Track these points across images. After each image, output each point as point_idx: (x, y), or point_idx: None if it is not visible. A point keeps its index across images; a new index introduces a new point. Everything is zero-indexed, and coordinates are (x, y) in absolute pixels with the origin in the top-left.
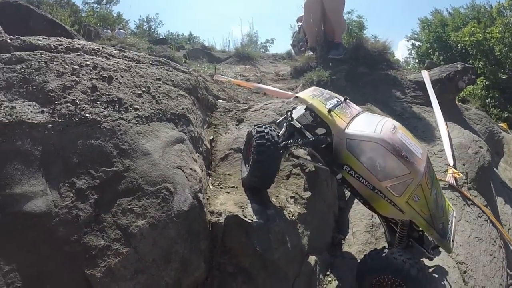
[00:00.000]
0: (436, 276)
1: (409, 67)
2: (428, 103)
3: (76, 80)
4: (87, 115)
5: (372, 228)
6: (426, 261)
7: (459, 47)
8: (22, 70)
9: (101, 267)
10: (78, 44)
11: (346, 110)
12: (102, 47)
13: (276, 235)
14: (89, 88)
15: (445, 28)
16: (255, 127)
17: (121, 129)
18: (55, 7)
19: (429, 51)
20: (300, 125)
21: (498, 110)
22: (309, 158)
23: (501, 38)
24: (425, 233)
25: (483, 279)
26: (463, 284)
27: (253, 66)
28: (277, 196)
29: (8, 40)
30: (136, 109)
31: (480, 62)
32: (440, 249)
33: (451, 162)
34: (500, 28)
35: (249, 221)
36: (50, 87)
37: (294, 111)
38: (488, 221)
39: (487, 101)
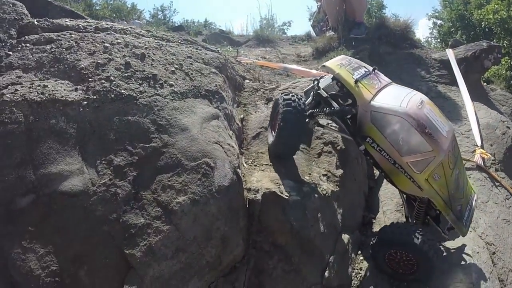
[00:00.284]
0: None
1: (430, 47)
2: (454, 83)
3: (109, 58)
4: (122, 91)
5: (402, 207)
6: (456, 240)
7: (482, 26)
8: (53, 50)
9: (141, 246)
10: (106, 24)
11: (373, 81)
12: (130, 27)
13: (312, 212)
14: (122, 65)
15: (468, 6)
16: (282, 95)
17: (158, 105)
18: (69, 2)
19: (451, 30)
20: (326, 95)
21: None
22: (334, 127)
23: None
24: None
25: (511, 261)
26: (492, 265)
27: (273, 48)
28: (310, 174)
29: (35, 22)
30: (171, 85)
31: (505, 41)
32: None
33: (478, 142)
34: None
35: (286, 197)
36: (82, 65)
37: (321, 80)
38: None
39: None
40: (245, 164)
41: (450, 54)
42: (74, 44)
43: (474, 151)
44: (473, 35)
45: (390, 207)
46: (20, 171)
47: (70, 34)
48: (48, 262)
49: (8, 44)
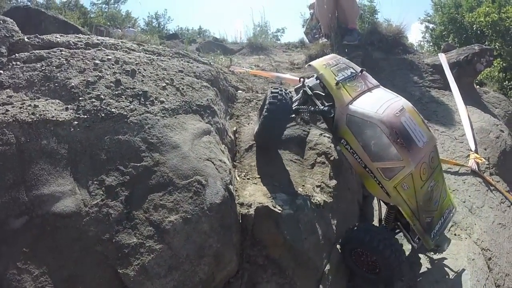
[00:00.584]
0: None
1: (423, 51)
2: (447, 87)
3: (99, 75)
4: (113, 110)
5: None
6: (451, 248)
7: (474, 28)
8: (43, 68)
9: (134, 266)
10: (97, 39)
11: (358, 83)
12: (121, 42)
13: (305, 225)
14: (113, 82)
15: (459, 9)
16: (271, 88)
17: (148, 123)
18: (64, 10)
19: (444, 33)
20: (311, 93)
21: None
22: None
23: None
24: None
25: (507, 265)
26: (488, 271)
27: (267, 56)
28: (303, 185)
29: (26, 39)
30: (162, 102)
31: (496, 43)
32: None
33: (472, 147)
34: None
35: (279, 211)
36: (73, 84)
37: (309, 79)
38: (511, 207)
39: (504, 83)
40: (238, 178)
41: (443, 58)
42: (65, 61)
43: (468, 156)
44: (465, 38)
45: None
46: (13, 192)
47: (61, 51)
48: (43, 283)
49: None
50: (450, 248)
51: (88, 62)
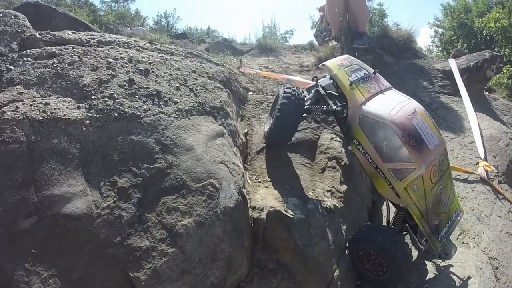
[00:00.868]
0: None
1: (432, 55)
2: (457, 93)
3: (112, 74)
4: (126, 109)
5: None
6: (459, 257)
7: (483, 34)
8: (55, 65)
9: (146, 269)
10: (110, 37)
11: (371, 85)
12: (134, 40)
13: (316, 230)
14: (126, 81)
15: (469, 14)
16: (284, 87)
17: (162, 124)
18: (73, 8)
19: (453, 38)
20: (323, 92)
21: None
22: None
23: None
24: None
25: None
26: (495, 280)
27: (276, 57)
28: (314, 189)
29: (37, 35)
30: (176, 103)
31: (506, 49)
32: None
33: (482, 155)
34: None
35: (291, 216)
36: (85, 82)
37: (322, 78)
38: None
39: None
40: (249, 181)
41: (453, 64)
42: (77, 59)
43: (478, 163)
44: (475, 44)
45: None
46: (22, 192)
47: (73, 48)
48: (52, 285)
49: (9, 58)
50: (458, 256)
51: (101, 60)
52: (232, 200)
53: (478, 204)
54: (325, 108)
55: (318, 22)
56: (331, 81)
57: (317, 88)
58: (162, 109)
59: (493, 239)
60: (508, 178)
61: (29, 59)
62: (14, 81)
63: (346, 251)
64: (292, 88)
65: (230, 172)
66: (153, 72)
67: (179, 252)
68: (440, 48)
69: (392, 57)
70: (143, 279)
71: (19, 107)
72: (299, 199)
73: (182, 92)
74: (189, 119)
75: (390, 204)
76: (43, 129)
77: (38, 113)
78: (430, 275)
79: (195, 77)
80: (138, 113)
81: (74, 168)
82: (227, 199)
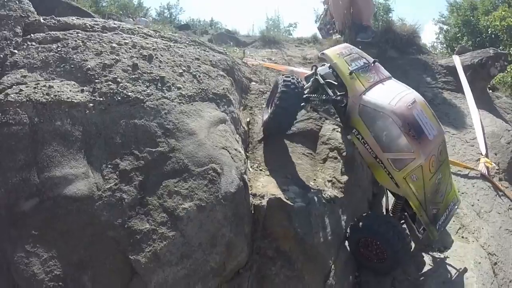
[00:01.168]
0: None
1: (436, 52)
2: (460, 89)
3: (116, 59)
4: (129, 93)
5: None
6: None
7: (489, 32)
8: (59, 49)
9: (146, 252)
10: (114, 23)
11: (370, 74)
12: (138, 27)
13: (316, 219)
14: (130, 66)
15: (475, 12)
16: (283, 76)
17: (165, 108)
18: None
19: (458, 35)
20: (323, 82)
21: None
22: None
23: None
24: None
25: None
26: (493, 275)
27: (279, 50)
28: (315, 179)
29: (42, 20)
30: (179, 88)
31: (511, 48)
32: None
33: (483, 151)
34: None
35: (292, 204)
36: (89, 66)
37: (321, 67)
38: None
39: None
40: (250, 169)
41: (457, 60)
42: (81, 43)
43: (479, 159)
44: (479, 41)
45: None
46: (24, 173)
47: (77, 33)
48: (52, 267)
49: (13, 42)
50: (457, 250)
51: (105, 45)
52: (234, 185)
53: (478, 200)
54: (324, 97)
55: (322, 15)
56: (330, 70)
57: (316, 77)
58: (165, 94)
59: (492, 235)
60: (509, 176)
61: (33, 43)
62: (18, 65)
63: (346, 241)
64: (291, 77)
65: (232, 158)
66: (156, 58)
67: (180, 236)
68: (444, 45)
69: (396, 51)
70: (143, 262)
71: (23, 90)
72: (300, 188)
73: (186, 78)
74: (192, 104)
75: (389, 194)
76: (46, 112)
77: (41, 95)
78: (429, 269)
79: (198, 64)
80: (141, 97)
81: (76, 151)
82: (228, 184)
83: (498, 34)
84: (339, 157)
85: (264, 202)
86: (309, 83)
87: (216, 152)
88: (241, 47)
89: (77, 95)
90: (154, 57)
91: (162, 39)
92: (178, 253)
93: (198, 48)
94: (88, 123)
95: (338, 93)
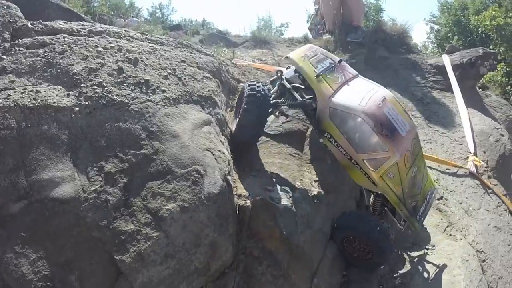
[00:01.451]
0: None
1: (427, 52)
2: (449, 89)
3: (101, 63)
4: (114, 97)
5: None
6: (445, 248)
7: (479, 32)
8: (46, 54)
9: (131, 252)
10: (101, 27)
11: (337, 74)
12: (125, 30)
13: (302, 219)
14: (115, 70)
15: (465, 11)
16: (248, 82)
17: (149, 111)
18: None
19: (448, 35)
20: (289, 86)
21: None
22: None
23: None
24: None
25: (501, 268)
26: (482, 272)
27: (270, 50)
28: (301, 179)
29: (29, 25)
30: (164, 91)
31: (501, 47)
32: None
33: (472, 149)
34: None
35: (276, 204)
36: (75, 70)
37: (286, 70)
38: (507, 211)
39: (507, 88)
40: (236, 169)
41: (446, 60)
42: (68, 48)
43: (467, 158)
44: (470, 41)
45: None
46: (12, 177)
47: (64, 37)
48: (40, 267)
49: (1, 48)
50: (445, 248)
51: (91, 49)
52: (217, 186)
53: (467, 198)
54: (292, 102)
55: (313, 15)
56: (297, 73)
57: (282, 81)
58: (149, 97)
59: (481, 232)
60: (498, 173)
61: (21, 48)
62: (6, 70)
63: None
64: (257, 83)
65: (216, 159)
66: (142, 61)
67: (163, 236)
68: (435, 45)
69: (386, 51)
70: (128, 262)
71: (11, 95)
72: (286, 187)
73: (171, 81)
74: (176, 107)
75: (365, 190)
76: (34, 116)
77: (29, 100)
78: (417, 267)
79: (184, 67)
80: (126, 101)
81: (63, 154)
82: (212, 185)
83: (489, 33)
84: (325, 157)
85: (249, 202)
86: (275, 87)
87: (200, 154)
88: (231, 47)
89: (63, 99)
90: (140, 61)
91: (149, 42)
92: (162, 253)
93: (184, 50)
94: (74, 127)
95: (306, 97)
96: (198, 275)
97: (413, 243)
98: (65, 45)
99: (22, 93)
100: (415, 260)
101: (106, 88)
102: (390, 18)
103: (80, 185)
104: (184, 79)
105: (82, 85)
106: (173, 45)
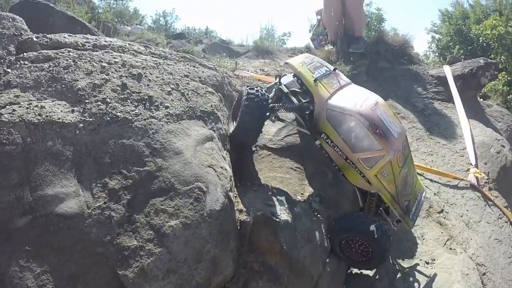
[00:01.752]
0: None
1: (428, 61)
2: (450, 99)
3: (105, 78)
4: (118, 113)
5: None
6: (445, 262)
7: (480, 41)
8: (50, 69)
9: (134, 268)
10: (105, 41)
11: (333, 80)
12: (129, 44)
13: (302, 234)
14: (119, 86)
15: (466, 21)
16: (247, 86)
17: (152, 128)
18: (72, 4)
19: (450, 44)
20: (287, 90)
21: None
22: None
23: None
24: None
25: (501, 281)
26: (482, 286)
27: (272, 60)
28: (302, 194)
29: (34, 39)
30: (167, 107)
31: (502, 56)
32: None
33: (473, 161)
34: None
35: (277, 219)
36: (79, 86)
37: (284, 77)
38: (508, 222)
39: (508, 97)
40: (238, 184)
41: (447, 71)
42: (72, 63)
43: (468, 170)
44: (471, 50)
45: None
46: (17, 192)
47: (69, 52)
48: (45, 281)
49: (7, 61)
50: (444, 262)
51: (96, 64)
52: (218, 203)
53: (468, 211)
54: (290, 105)
55: (315, 26)
56: (294, 78)
57: (280, 86)
58: (153, 113)
59: (481, 245)
60: (499, 185)
61: (26, 62)
62: (11, 84)
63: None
64: (255, 88)
65: (218, 176)
66: (145, 76)
67: (166, 252)
68: (436, 54)
69: (387, 62)
70: (131, 277)
71: (16, 110)
72: (287, 202)
73: (174, 97)
74: (179, 123)
75: (358, 192)
76: (39, 132)
77: (34, 116)
78: (416, 281)
79: (187, 82)
80: (130, 118)
81: (67, 170)
82: (214, 202)
83: (490, 42)
84: (326, 171)
85: (250, 218)
86: (272, 93)
87: (202, 171)
88: (234, 57)
89: (68, 115)
90: (143, 76)
91: (152, 56)
92: (164, 268)
93: (187, 64)
94: (79, 143)
95: (303, 101)
96: None
97: (413, 256)
98: (70, 60)
99: (27, 108)
100: (415, 274)
101: (110, 105)
102: (391, 28)
103: (85, 201)
104: (187, 94)
105: (86, 101)
106: (177, 59)
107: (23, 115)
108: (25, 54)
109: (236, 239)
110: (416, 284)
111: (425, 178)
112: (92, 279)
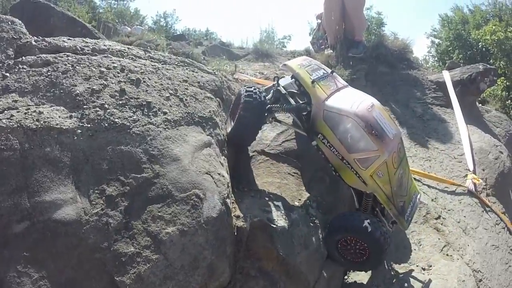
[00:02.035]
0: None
1: (428, 65)
2: (449, 105)
3: (104, 84)
4: (116, 120)
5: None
6: (442, 269)
7: (479, 46)
8: (49, 73)
9: (130, 274)
10: (104, 45)
11: (330, 83)
12: (128, 48)
13: (299, 240)
14: (117, 91)
15: (466, 26)
16: (245, 87)
17: (150, 134)
18: (73, 4)
19: (449, 49)
20: (285, 91)
21: None
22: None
23: None
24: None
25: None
26: None
27: (272, 63)
28: (300, 199)
29: (33, 42)
30: (165, 113)
31: (501, 62)
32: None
33: (471, 167)
34: None
35: (274, 226)
36: (78, 91)
37: (282, 79)
38: (505, 229)
39: (507, 102)
40: (235, 189)
41: (446, 76)
42: (71, 67)
43: (466, 176)
44: (470, 55)
45: None
46: (15, 198)
47: (67, 56)
48: (42, 286)
49: (5, 65)
50: (441, 269)
51: (94, 69)
52: (215, 210)
53: (465, 217)
54: (287, 106)
55: (315, 30)
56: (292, 80)
57: (278, 87)
58: (151, 119)
59: (478, 252)
60: (496, 191)
61: (25, 66)
62: (9, 89)
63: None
64: (253, 87)
65: (215, 183)
66: (144, 82)
67: (163, 259)
68: (436, 58)
69: (387, 67)
70: (127, 283)
71: (14, 115)
72: (284, 208)
73: (172, 102)
74: (177, 129)
75: (354, 193)
76: (36, 138)
77: (31, 121)
78: (411, 287)
79: (186, 87)
80: (128, 124)
81: (65, 176)
82: (211, 209)
83: (489, 48)
84: (324, 177)
85: (247, 224)
86: (270, 94)
87: (200, 178)
88: (234, 60)
89: (66, 121)
90: (142, 81)
91: (151, 61)
92: (161, 275)
93: (186, 69)
94: (76, 149)
95: (301, 102)
96: None
97: (410, 263)
98: (68, 65)
99: (25, 113)
100: (411, 280)
101: (108, 111)
102: (391, 32)
103: (82, 208)
104: (186, 99)
105: (84, 106)
106: (176, 63)
107: (21, 120)
108: (23, 58)
109: (233, 245)
110: None
111: (423, 184)
112: (89, 285)
